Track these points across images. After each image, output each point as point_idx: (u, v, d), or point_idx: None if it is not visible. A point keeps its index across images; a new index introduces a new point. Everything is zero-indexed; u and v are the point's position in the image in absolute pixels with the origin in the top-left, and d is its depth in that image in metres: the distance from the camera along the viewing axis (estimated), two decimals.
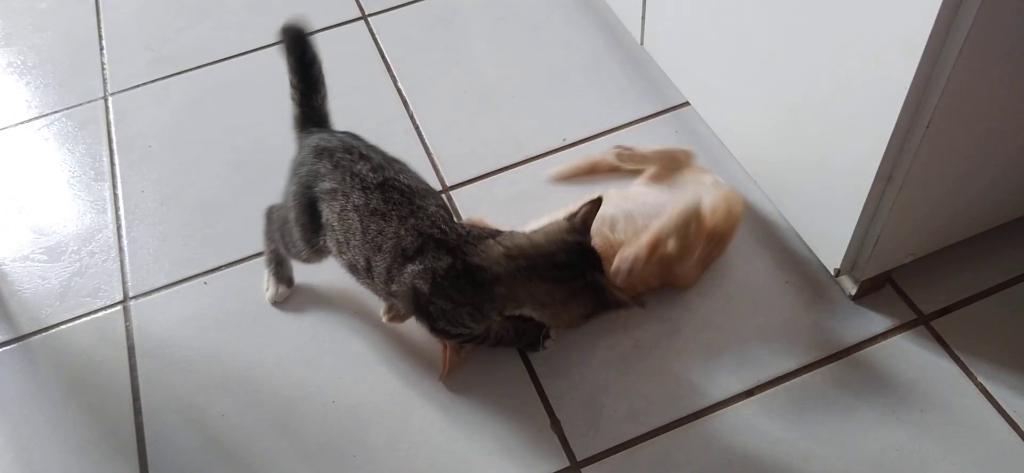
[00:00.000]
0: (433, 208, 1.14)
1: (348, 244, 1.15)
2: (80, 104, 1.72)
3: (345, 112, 1.63)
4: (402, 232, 1.11)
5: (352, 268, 1.18)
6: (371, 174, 1.14)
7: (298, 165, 1.20)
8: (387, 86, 1.68)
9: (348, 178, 1.14)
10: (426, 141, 1.57)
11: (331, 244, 1.18)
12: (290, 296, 1.35)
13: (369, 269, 1.14)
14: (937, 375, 1.21)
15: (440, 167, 1.53)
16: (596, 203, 1.13)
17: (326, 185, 1.15)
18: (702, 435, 1.18)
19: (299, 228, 1.20)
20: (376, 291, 1.20)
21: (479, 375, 1.25)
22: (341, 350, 1.29)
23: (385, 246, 1.11)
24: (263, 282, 1.35)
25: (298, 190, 1.19)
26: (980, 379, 1.20)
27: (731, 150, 1.45)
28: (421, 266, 1.10)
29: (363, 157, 1.16)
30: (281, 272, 1.35)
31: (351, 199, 1.13)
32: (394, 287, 1.13)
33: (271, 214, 1.31)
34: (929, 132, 1.02)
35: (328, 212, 1.15)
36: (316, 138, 1.21)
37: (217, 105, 1.69)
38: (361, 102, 1.66)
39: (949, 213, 1.21)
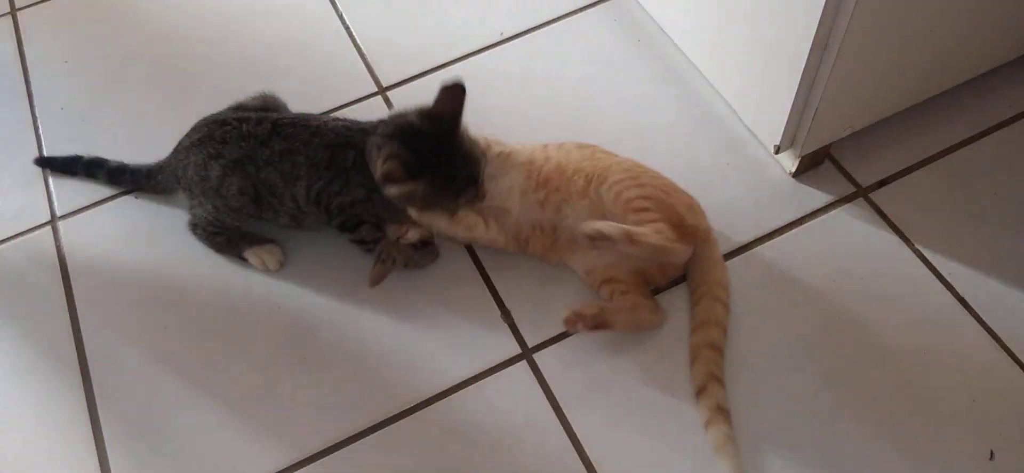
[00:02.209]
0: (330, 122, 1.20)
1: (281, 199, 1.18)
2: None
3: (268, 16, 1.58)
4: (311, 152, 1.16)
5: (293, 219, 1.21)
6: (258, 128, 1.17)
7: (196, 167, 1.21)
8: None
9: (243, 145, 1.17)
10: (358, 41, 1.52)
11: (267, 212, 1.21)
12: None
13: (298, 207, 1.19)
14: (876, 244, 1.24)
15: (374, 68, 1.48)
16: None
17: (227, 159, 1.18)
18: None
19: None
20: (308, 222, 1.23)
21: (427, 273, 1.24)
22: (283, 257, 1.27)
23: (301, 174, 1.16)
24: (255, 266, 1.25)
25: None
26: (917, 245, 1.23)
27: (671, 35, 1.43)
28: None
29: (240, 120, 1.19)
30: (254, 238, 1.26)
31: (256, 161, 1.16)
32: (315, 207, 1.18)
33: (197, 224, 1.26)
34: None
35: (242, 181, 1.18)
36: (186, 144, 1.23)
37: (135, 16, 1.60)
38: (286, 4, 1.59)
39: (885, 83, 1.22)
